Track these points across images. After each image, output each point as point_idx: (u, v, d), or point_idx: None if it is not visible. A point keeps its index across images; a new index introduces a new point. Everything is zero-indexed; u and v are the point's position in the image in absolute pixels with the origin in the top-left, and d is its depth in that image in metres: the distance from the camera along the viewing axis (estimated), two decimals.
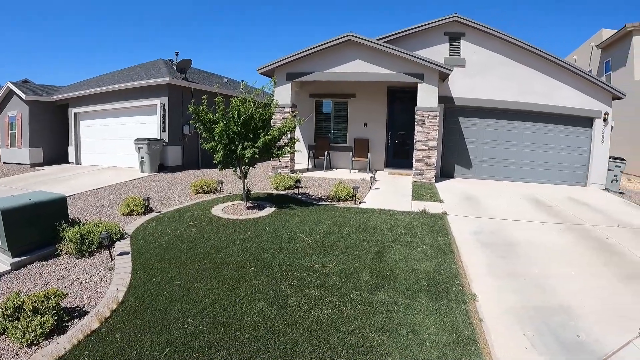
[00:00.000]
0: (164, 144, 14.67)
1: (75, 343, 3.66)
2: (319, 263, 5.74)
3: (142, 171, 13.81)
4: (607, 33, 23.53)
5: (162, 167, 14.45)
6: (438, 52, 14.52)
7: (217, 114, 8.12)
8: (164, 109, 14.80)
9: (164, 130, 14.89)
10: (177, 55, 17.24)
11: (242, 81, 20.88)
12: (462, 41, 14.70)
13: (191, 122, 8.53)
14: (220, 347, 3.63)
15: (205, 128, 8.23)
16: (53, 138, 18.68)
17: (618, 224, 9.11)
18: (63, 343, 3.67)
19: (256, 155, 8.10)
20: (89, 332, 3.81)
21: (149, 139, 13.81)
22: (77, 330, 3.85)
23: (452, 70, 12.93)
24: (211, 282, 4.93)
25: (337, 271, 5.48)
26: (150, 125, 15.11)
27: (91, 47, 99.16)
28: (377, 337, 3.94)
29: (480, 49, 14.62)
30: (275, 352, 3.61)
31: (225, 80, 20.51)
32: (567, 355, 3.84)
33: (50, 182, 12.23)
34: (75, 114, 17.81)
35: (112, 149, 16.55)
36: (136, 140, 13.88)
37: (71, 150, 18.19)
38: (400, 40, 14.33)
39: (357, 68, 13.18)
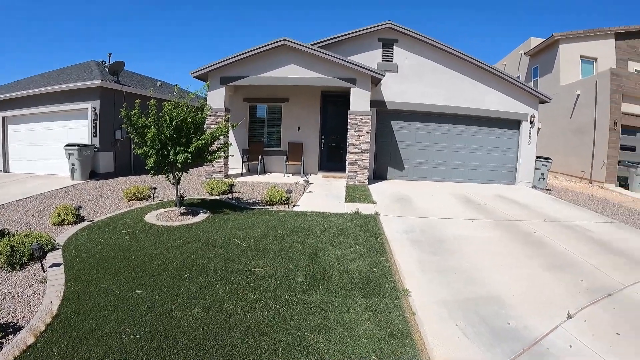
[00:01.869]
0: (96, 149, 14.18)
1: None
2: (254, 266, 5.85)
3: (73, 178, 13.33)
4: (535, 41, 25.25)
5: (93, 174, 13.99)
6: (372, 58, 15.05)
7: (149, 118, 8.01)
8: (95, 113, 14.31)
9: (95, 136, 14.38)
10: (109, 57, 16.83)
11: (176, 85, 20.58)
12: (395, 47, 15.29)
13: (123, 126, 8.37)
14: (159, 355, 3.67)
15: (138, 133, 8.09)
16: None
17: (544, 218, 9.83)
18: None
19: (189, 160, 8.10)
20: (24, 348, 3.72)
21: (79, 145, 13.34)
22: (13, 347, 3.74)
23: (384, 76, 13.38)
24: (147, 290, 4.93)
25: (271, 274, 5.62)
26: (82, 130, 14.56)
27: (16, 47, 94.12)
28: (314, 335, 4.11)
29: (412, 55, 15.27)
30: (214, 356, 3.69)
31: (158, 83, 20.08)
32: (498, 342, 4.16)
33: None
34: (3, 117, 16.80)
35: (42, 156, 15.77)
36: (66, 146, 13.35)
37: None
38: (335, 46, 14.71)
39: (291, 72, 13.37)
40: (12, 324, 4.18)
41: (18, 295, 4.83)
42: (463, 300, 5.10)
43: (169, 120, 7.92)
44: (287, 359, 3.72)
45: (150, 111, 8.03)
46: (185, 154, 7.95)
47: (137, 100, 8.22)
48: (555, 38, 22.53)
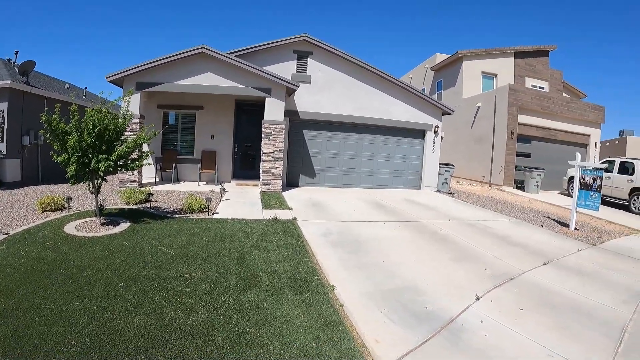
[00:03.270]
0: (2, 156, 13.18)
1: None
2: (185, 272, 6.06)
3: None
4: (440, 57, 27.33)
5: None
6: (287, 69, 15.54)
7: (70, 124, 7.85)
8: (3, 117, 13.25)
9: (2, 141, 13.30)
10: (16, 54, 15.79)
11: (85, 88, 19.88)
12: (309, 59, 15.90)
13: (41, 131, 8.13)
14: None
15: (57, 139, 7.88)
16: None
17: (449, 218, 10.87)
18: None
19: (111, 168, 8.08)
20: None
21: None
22: None
23: (298, 86, 13.93)
24: (82, 302, 4.95)
25: (204, 278, 5.87)
26: None
27: None
28: (255, 330, 4.46)
29: (325, 67, 15.98)
30: (166, 357, 3.87)
31: (67, 86, 18.98)
32: (419, 323, 4.85)
33: None
34: None
35: None
36: None
37: None
38: (252, 55, 15.01)
39: (208, 81, 13.53)
40: None
41: None
42: (384, 291, 5.79)
43: (91, 127, 7.78)
44: (235, 353, 4.01)
45: (72, 117, 7.86)
46: (108, 162, 7.92)
47: (57, 105, 8.02)
48: (459, 55, 24.58)
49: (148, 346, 4.07)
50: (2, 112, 13.36)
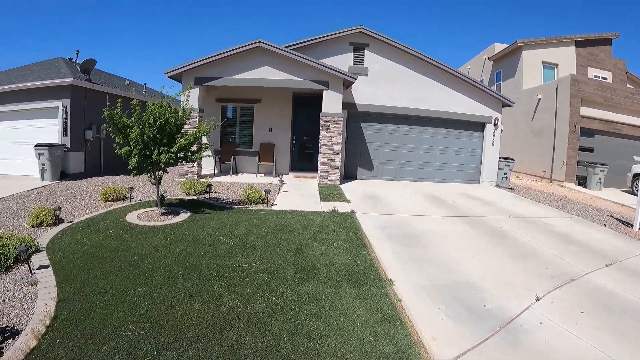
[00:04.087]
0: (66, 149, 13.84)
1: None
2: (244, 262, 6.02)
3: (42, 179, 13.03)
4: (499, 47, 26.20)
5: (63, 175, 13.70)
6: (343, 61, 15.37)
7: (132, 118, 8.03)
8: (66, 112, 13.95)
9: (66, 135, 14.02)
10: (77, 54, 16.54)
11: (144, 84, 20.43)
12: (366, 51, 15.66)
13: (104, 125, 8.30)
14: (169, 348, 3.76)
15: (120, 132, 8.09)
16: None
17: (509, 214, 10.34)
18: None
19: (172, 160, 8.20)
20: (28, 351, 3.66)
21: (50, 145, 13.01)
22: (17, 350, 3.67)
23: (356, 79, 13.73)
24: (143, 289, 5.00)
25: (262, 269, 5.82)
26: (50, 130, 14.17)
27: None
28: (313, 322, 4.36)
29: (382, 58, 15.66)
30: (223, 345, 3.84)
31: (127, 82, 19.79)
32: (477, 321, 4.60)
33: None
34: None
35: (8, 156, 15.15)
36: (36, 145, 12.99)
37: None
38: (308, 48, 14.95)
39: (265, 74, 13.55)
40: (8, 328, 4.08)
41: (9, 299, 4.75)
42: (442, 287, 5.56)
43: (152, 121, 7.91)
44: (292, 344, 3.93)
45: (134, 111, 8.04)
46: (169, 154, 8.06)
47: (119, 100, 8.14)
48: (518, 44, 23.49)
49: (206, 333, 4.06)
50: (66, 108, 14.05)
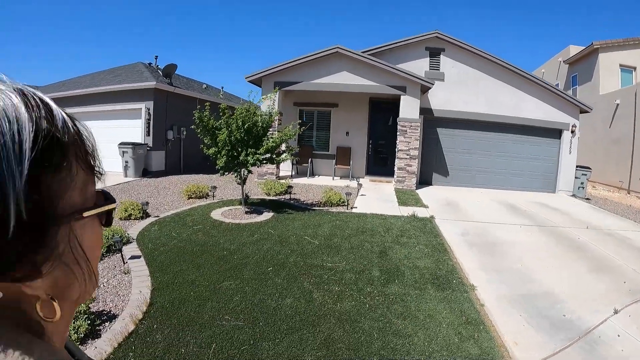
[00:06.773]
0: (149, 148, 14.57)
1: (116, 346, 3.62)
2: (331, 262, 6.08)
3: (125, 175, 13.71)
4: (574, 49, 24.75)
5: (145, 172, 14.38)
6: (419, 66, 15.15)
7: (221, 121, 8.37)
8: (149, 113, 14.69)
9: (148, 135, 14.78)
10: (156, 59, 17.50)
11: (221, 87, 21.04)
12: (441, 56, 15.38)
13: (194, 126, 8.64)
14: (264, 339, 3.85)
15: (208, 134, 8.45)
16: None
17: (587, 225, 9.88)
18: (102, 346, 3.60)
19: (258, 162, 8.45)
20: (127, 335, 3.80)
21: (133, 143, 13.74)
22: (116, 333, 3.81)
23: (433, 84, 13.58)
24: (234, 282, 5.13)
25: (349, 269, 5.86)
26: (133, 129, 14.94)
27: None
28: (400, 322, 4.40)
29: (457, 63, 15.35)
30: (316, 339, 3.92)
31: (204, 86, 20.53)
32: (557, 331, 4.57)
33: None
34: None
35: None
36: (120, 144, 13.75)
37: None
38: (383, 53, 14.88)
39: (342, 79, 13.62)
40: (105, 312, 4.27)
41: (104, 285, 4.98)
42: (521, 295, 5.51)
43: (240, 123, 8.21)
44: (382, 341, 3.98)
45: (222, 114, 8.38)
46: (256, 156, 8.31)
47: (207, 103, 8.48)
48: (595, 46, 22.11)
49: (299, 327, 4.14)
50: (149, 110, 14.81)
